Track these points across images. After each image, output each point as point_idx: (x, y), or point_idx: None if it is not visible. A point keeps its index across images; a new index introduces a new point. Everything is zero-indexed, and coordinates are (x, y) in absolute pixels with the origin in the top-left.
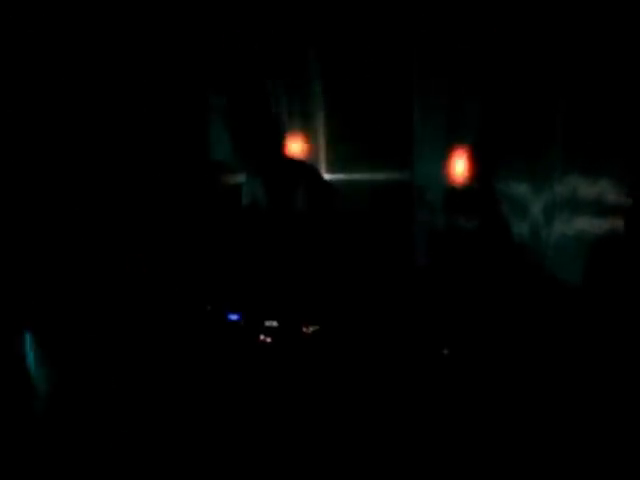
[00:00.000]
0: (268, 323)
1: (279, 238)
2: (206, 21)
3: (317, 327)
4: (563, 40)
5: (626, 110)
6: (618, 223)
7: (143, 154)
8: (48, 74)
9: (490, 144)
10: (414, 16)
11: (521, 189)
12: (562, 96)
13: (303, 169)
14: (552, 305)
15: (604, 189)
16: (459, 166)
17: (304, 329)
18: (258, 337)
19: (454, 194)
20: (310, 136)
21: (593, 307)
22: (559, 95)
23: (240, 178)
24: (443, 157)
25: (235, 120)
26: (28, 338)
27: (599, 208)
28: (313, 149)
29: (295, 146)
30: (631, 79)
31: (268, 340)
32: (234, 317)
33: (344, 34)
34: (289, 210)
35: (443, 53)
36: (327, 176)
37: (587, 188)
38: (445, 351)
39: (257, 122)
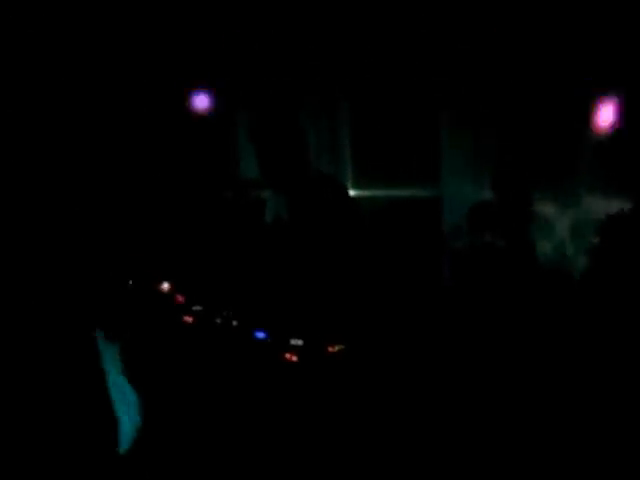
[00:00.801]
0: (294, 342)
1: (303, 256)
2: (238, 41)
3: (342, 346)
4: (580, 66)
5: None
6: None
7: (168, 168)
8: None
9: (516, 164)
10: (440, 42)
11: (547, 209)
12: (584, 118)
13: (328, 186)
14: (577, 321)
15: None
16: (488, 183)
17: (329, 348)
18: (284, 355)
19: (481, 212)
20: (338, 153)
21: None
22: (581, 117)
23: (266, 194)
24: (470, 175)
25: (260, 137)
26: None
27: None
28: (341, 165)
29: (323, 162)
30: None
31: (294, 359)
32: (261, 335)
33: (374, 58)
34: (313, 228)
35: (469, 71)
36: (354, 192)
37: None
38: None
39: (282, 139)
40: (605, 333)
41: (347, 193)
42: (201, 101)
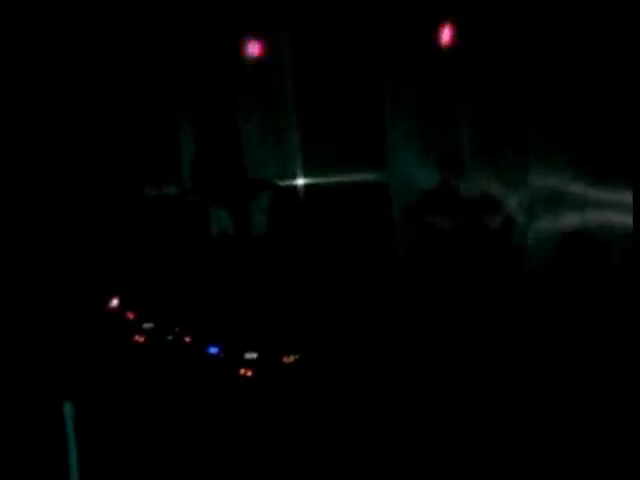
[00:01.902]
0: (248, 355)
1: (251, 264)
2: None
3: (297, 355)
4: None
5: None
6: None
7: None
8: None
9: (462, 143)
10: (384, 22)
11: (494, 187)
12: (529, 93)
13: (266, 191)
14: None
15: (567, 182)
16: (432, 166)
17: (285, 358)
18: (238, 371)
19: (429, 194)
20: (285, 141)
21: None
22: (527, 92)
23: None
24: (416, 157)
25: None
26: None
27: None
28: (288, 154)
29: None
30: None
31: (248, 374)
32: (214, 350)
33: (316, 40)
34: (258, 236)
35: (413, 52)
36: (303, 180)
37: (556, 182)
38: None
39: (219, 149)
40: (563, 314)
41: (289, 198)
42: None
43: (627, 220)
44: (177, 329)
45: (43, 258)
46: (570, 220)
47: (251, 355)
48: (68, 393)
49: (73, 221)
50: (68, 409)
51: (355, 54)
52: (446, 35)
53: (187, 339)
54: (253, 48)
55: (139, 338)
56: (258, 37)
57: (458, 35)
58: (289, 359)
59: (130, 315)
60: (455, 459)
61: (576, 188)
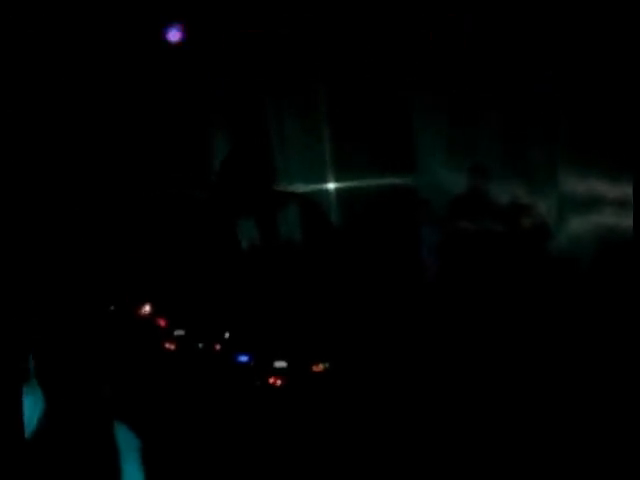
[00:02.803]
0: (278, 364)
1: (281, 276)
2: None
3: (327, 364)
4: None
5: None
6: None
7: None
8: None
9: (491, 149)
10: (413, 29)
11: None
12: (558, 100)
13: (295, 203)
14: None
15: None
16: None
17: (314, 367)
18: (268, 380)
19: (458, 199)
20: (318, 147)
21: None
22: (556, 99)
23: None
24: (445, 162)
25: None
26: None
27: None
28: (320, 159)
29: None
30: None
31: (278, 382)
32: (244, 359)
33: (348, 50)
34: (287, 247)
35: (441, 60)
36: (334, 185)
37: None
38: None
39: (251, 170)
40: (597, 314)
41: (319, 211)
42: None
43: None
44: (208, 337)
45: (75, 263)
46: (601, 222)
47: (281, 364)
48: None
49: (107, 227)
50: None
51: (385, 62)
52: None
53: (217, 347)
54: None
55: (170, 345)
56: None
57: (486, 45)
58: (319, 368)
59: (161, 322)
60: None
61: (605, 191)
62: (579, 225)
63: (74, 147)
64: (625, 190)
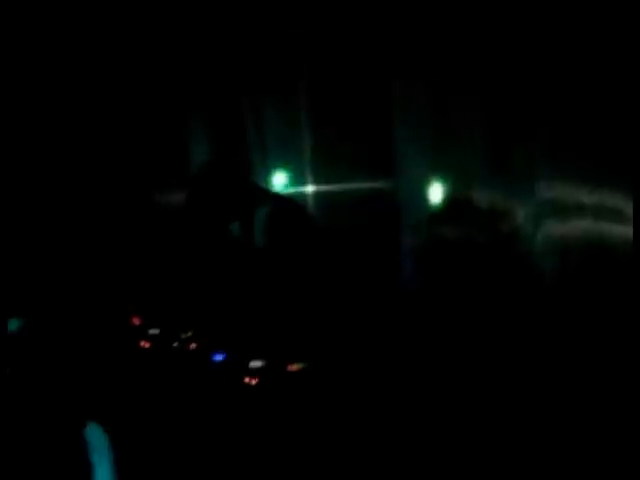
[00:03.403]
0: (253, 363)
1: (259, 276)
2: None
3: (303, 364)
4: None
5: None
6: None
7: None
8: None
9: (470, 155)
10: (392, 33)
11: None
12: (541, 105)
13: (275, 203)
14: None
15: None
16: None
17: (290, 367)
18: (243, 379)
19: (439, 205)
20: (298, 149)
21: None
22: (539, 104)
23: None
24: (424, 167)
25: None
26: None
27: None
28: (299, 162)
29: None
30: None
31: (253, 382)
32: (219, 357)
33: (330, 52)
34: (265, 247)
35: (423, 54)
36: (313, 188)
37: (563, 193)
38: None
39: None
40: (569, 320)
41: (301, 211)
42: None
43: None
44: (183, 336)
45: (52, 263)
46: (576, 229)
47: (256, 363)
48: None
49: (81, 226)
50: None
51: (366, 64)
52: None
53: (193, 346)
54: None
55: (145, 344)
56: (273, 47)
57: (467, 50)
58: (294, 367)
59: (136, 320)
60: (458, 465)
61: (582, 198)
62: (557, 232)
63: (51, 151)
64: (604, 197)
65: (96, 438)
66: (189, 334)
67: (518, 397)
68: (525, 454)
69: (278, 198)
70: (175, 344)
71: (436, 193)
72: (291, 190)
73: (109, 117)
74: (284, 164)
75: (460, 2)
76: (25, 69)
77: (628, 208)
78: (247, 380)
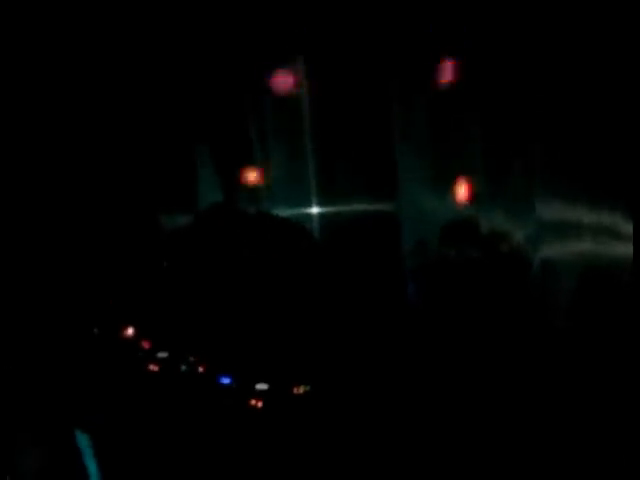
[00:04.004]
0: (259, 386)
1: (264, 298)
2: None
3: (308, 387)
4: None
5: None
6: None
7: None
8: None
9: (477, 173)
10: (394, 52)
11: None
12: (540, 123)
13: (279, 226)
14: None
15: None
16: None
17: (295, 390)
18: (249, 402)
19: (439, 226)
20: (300, 172)
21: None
22: (537, 121)
23: None
24: (428, 187)
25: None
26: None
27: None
28: (302, 184)
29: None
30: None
31: (259, 404)
32: (226, 380)
33: (331, 75)
34: (271, 270)
35: (421, 86)
36: (318, 209)
37: (561, 212)
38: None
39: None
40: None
41: (305, 234)
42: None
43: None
44: (191, 359)
45: (57, 284)
46: (575, 249)
47: (262, 386)
48: (83, 423)
49: (88, 249)
50: (84, 440)
51: (366, 88)
52: (451, 71)
53: (200, 369)
54: (274, 81)
55: (153, 367)
56: (277, 68)
57: (464, 69)
58: (299, 390)
59: (145, 344)
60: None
61: (581, 217)
62: (556, 252)
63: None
64: (603, 217)
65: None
66: (196, 357)
67: (518, 415)
68: (524, 458)
69: (288, 221)
70: (183, 367)
71: (436, 214)
72: (295, 211)
73: (114, 138)
74: (287, 187)
75: (461, 17)
76: (29, 88)
77: (628, 227)
78: (253, 402)
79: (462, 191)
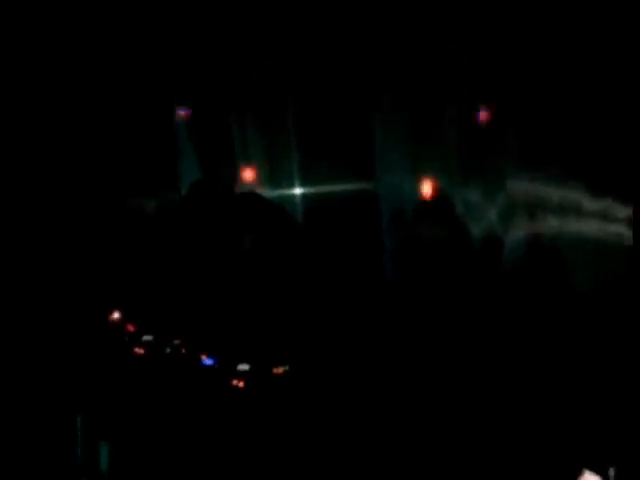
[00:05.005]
0: (241, 366)
1: (244, 280)
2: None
3: (287, 367)
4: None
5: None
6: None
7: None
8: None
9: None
10: (376, 42)
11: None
12: (513, 106)
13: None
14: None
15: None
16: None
17: (274, 370)
18: (231, 381)
19: (418, 204)
20: (285, 153)
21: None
22: (510, 104)
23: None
24: (405, 167)
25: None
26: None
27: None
28: (285, 166)
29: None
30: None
31: (240, 384)
32: (209, 362)
33: (314, 61)
34: (251, 250)
35: (401, 62)
36: (300, 190)
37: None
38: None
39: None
40: (544, 320)
41: (284, 215)
42: None
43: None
44: (175, 341)
45: (47, 270)
46: (544, 227)
47: (243, 366)
48: (76, 404)
49: (75, 233)
50: (78, 421)
51: (349, 74)
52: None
53: (184, 351)
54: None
55: (139, 350)
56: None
57: (443, 61)
58: (279, 370)
59: (130, 327)
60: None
61: (555, 197)
62: (527, 230)
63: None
64: (574, 196)
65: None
66: (180, 340)
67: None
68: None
69: (268, 202)
70: (167, 350)
71: (412, 193)
72: (279, 192)
73: (101, 126)
74: (270, 168)
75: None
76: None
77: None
78: (235, 382)
79: (427, 188)
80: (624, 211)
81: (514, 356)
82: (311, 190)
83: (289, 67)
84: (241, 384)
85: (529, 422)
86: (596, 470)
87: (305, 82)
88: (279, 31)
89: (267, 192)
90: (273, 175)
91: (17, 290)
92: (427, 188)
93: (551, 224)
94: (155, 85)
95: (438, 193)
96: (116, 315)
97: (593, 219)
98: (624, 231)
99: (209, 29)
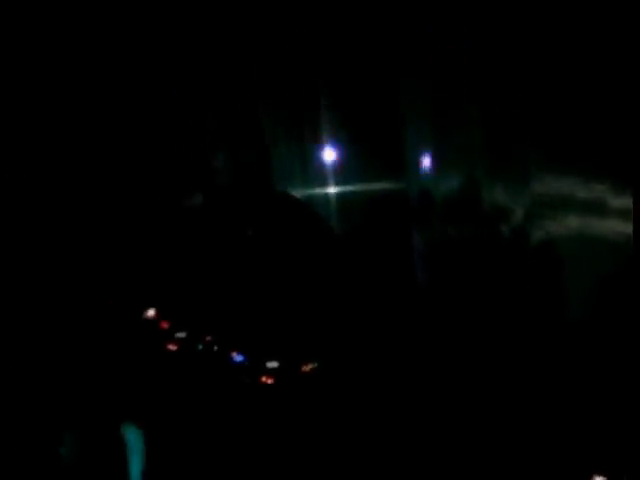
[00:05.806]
0: (270, 364)
1: (275, 278)
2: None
3: (315, 364)
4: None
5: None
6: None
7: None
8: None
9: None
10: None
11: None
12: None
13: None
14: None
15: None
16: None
17: (303, 367)
18: (260, 378)
19: (448, 204)
20: (317, 154)
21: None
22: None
23: None
24: (434, 167)
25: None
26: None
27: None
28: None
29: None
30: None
31: (269, 381)
32: (239, 358)
33: (343, 60)
34: (282, 250)
35: (426, 53)
36: (334, 189)
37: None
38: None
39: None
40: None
41: (315, 215)
42: None
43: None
44: (207, 338)
45: (80, 268)
46: (572, 225)
47: (272, 364)
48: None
49: (109, 231)
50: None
51: (375, 72)
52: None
53: (215, 348)
54: None
55: (172, 347)
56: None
57: (467, 51)
58: (307, 367)
59: (164, 325)
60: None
61: (578, 193)
62: (554, 228)
63: (71, 151)
64: (600, 193)
65: (132, 437)
66: (211, 337)
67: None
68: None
69: (300, 202)
70: (199, 346)
71: (441, 192)
72: (310, 192)
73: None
74: (301, 167)
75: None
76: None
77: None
78: (264, 379)
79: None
80: None
81: (538, 356)
82: (343, 189)
83: (321, 63)
84: (270, 381)
85: (544, 427)
86: (607, 476)
87: (339, 81)
88: (312, 27)
89: (298, 191)
90: (304, 174)
91: (52, 285)
92: (455, 187)
93: (576, 223)
94: (183, 84)
95: (466, 192)
96: (151, 312)
97: (618, 218)
98: None
99: (239, 30)
